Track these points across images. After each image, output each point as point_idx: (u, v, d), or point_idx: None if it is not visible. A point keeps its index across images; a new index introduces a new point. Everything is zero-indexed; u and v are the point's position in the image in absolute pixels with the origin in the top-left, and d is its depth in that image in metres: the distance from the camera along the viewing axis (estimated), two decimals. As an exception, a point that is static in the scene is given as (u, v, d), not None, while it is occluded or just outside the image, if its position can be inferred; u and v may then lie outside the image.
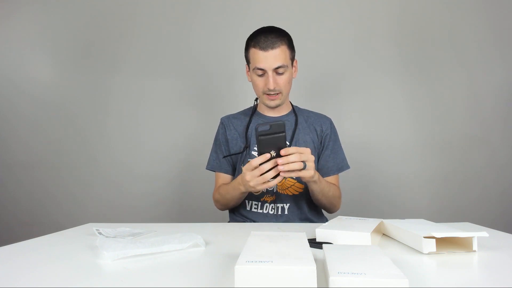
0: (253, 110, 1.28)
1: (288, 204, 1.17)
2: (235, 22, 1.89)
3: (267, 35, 1.12)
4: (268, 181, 0.91)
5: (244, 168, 0.94)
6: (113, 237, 0.78)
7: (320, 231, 0.70)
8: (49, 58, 1.97)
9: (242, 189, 1.02)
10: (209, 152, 1.31)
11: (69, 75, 1.94)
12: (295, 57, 1.21)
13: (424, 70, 1.85)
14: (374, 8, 1.87)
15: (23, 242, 0.77)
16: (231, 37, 1.88)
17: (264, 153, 0.87)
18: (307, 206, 1.20)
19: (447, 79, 1.84)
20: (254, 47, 1.13)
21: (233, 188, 1.09)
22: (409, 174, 1.83)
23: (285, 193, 1.17)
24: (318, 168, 1.22)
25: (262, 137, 0.85)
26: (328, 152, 1.23)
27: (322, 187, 1.07)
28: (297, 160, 0.88)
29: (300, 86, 1.81)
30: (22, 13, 1.96)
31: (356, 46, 1.87)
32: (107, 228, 0.87)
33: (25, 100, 1.94)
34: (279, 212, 1.16)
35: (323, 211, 1.28)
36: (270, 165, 0.87)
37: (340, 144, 1.27)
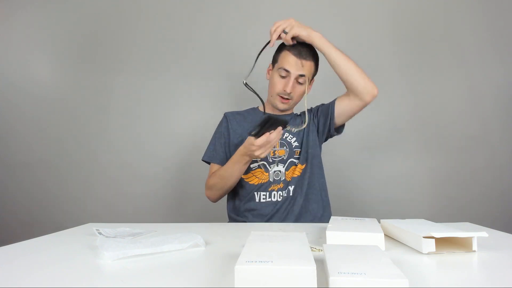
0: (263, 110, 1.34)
1: (293, 186, 1.22)
2: (236, 22, 1.89)
3: (304, 47, 1.21)
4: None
5: (257, 144, 1.01)
6: (113, 237, 0.78)
7: (331, 233, 0.67)
8: (49, 57, 1.96)
9: (247, 158, 1.10)
10: None
11: (70, 75, 1.94)
12: (314, 78, 1.31)
13: (423, 70, 1.85)
14: (373, 9, 1.87)
15: (23, 242, 0.77)
16: (233, 37, 1.88)
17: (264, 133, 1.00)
18: (309, 181, 1.24)
19: (446, 79, 1.84)
20: (289, 50, 1.21)
21: (233, 162, 1.14)
22: (409, 174, 1.83)
23: (290, 178, 1.24)
24: (325, 111, 1.28)
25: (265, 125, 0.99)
26: (322, 106, 1.33)
27: (335, 47, 1.15)
28: (274, 32, 1.14)
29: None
30: (23, 12, 1.96)
31: (355, 46, 1.86)
32: (107, 228, 0.87)
33: (25, 100, 1.94)
34: (285, 195, 1.21)
35: (320, 210, 1.28)
36: (278, 138, 1.02)
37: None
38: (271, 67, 1.30)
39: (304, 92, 1.25)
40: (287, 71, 1.19)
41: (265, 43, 1.18)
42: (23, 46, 1.96)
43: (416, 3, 1.86)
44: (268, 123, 0.97)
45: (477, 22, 1.84)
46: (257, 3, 1.90)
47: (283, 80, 1.21)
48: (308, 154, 1.26)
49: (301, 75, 1.19)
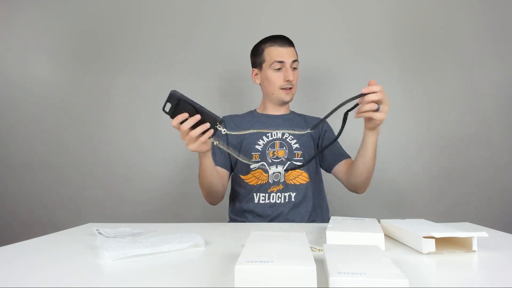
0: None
1: (294, 193, 1.21)
2: (238, 23, 1.89)
3: (283, 38, 1.27)
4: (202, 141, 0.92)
5: (172, 124, 0.95)
6: (113, 237, 0.78)
7: (331, 233, 0.67)
8: (49, 57, 1.96)
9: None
10: None
11: (70, 74, 1.94)
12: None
13: (423, 70, 1.85)
14: (373, 9, 1.87)
15: (23, 242, 0.77)
16: (234, 38, 1.88)
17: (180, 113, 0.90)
18: (313, 195, 1.24)
19: (446, 78, 1.84)
20: (272, 45, 1.26)
21: (199, 159, 1.09)
22: (408, 174, 1.83)
23: (292, 183, 1.22)
24: (330, 154, 1.28)
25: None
26: (335, 143, 1.28)
27: (376, 147, 1.05)
28: (376, 99, 0.87)
29: (299, 86, 1.81)
30: (23, 12, 1.96)
31: (355, 46, 1.87)
32: (107, 228, 0.87)
33: (25, 100, 1.94)
34: (287, 200, 1.20)
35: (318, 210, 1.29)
36: (189, 124, 0.90)
37: (339, 143, 1.34)
38: (256, 71, 1.31)
39: (298, 78, 1.30)
40: (281, 62, 1.23)
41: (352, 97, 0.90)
42: (23, 46, 1.96)
43: (416, 3, 1.86)
44: (177, 99, 0.90)
45: (477, 22, 1.84)
46: (256, 4, 1.90)
47: (279, 73, 1.24)
48: (313, 166, 1.27)
49: (294, 61, 1.25)
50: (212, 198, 1.22)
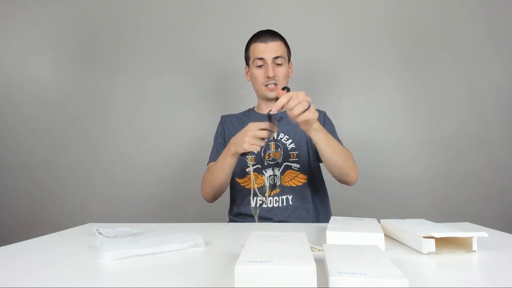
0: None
1: (291, 196, 1.19)
2: (237, 22, 1.89)
3: (267, 32, 1.25)
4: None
5: (252, 125, 1.01)
6: (113, 237, 0.78)
7: (331, 233, 0.67)
8: (49, 57, 1.96)
9: (232, 149, 1.06)
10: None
11: (70, 74, 1.94)
12: (291, 60, 1.29)
13: (422, 69, 1.85)
14: (373, 7, 1.87)
15: (23, 242, 0.77)
16: (233, 37, 1.88)
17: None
18: (312, 195, 1.21)
19: (445, 78, 1.84)
20: (255, 42, 1.24)
21: (223, 155, 1.11)
22: (408, 174, 1.83)
23: (289, 185, 1.19)
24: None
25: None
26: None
27: (327, 138, 1.03)
28: (297, 102, 0.91)
29: (298, 85, 1.81)
30: (23, 12, 1.96)
31: (355, 45, 1.87)
32: (107, 228, 0.87)
33: (25, 100, 1.94)
34: (284, 204, 1.18)
35: (321, 210, 1.28)
36: (265, 134, 1.01)
37: (336, 135, 1.28)
38: (247, 69, 1.31)
39: (287, 73, 1.25)
40: (261, 58, 1.21)
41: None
42: (23, 46, 1.96)
43: (416, 3, 1.86)
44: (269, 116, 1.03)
45: (477, 22, 1.84)
46: (256, 3, 1.90)
47: (261, 70, 1.22)
48: (309, 165, 1.23)
49: (276, 57, 1.21)
50: (217, 195, 1.22)
